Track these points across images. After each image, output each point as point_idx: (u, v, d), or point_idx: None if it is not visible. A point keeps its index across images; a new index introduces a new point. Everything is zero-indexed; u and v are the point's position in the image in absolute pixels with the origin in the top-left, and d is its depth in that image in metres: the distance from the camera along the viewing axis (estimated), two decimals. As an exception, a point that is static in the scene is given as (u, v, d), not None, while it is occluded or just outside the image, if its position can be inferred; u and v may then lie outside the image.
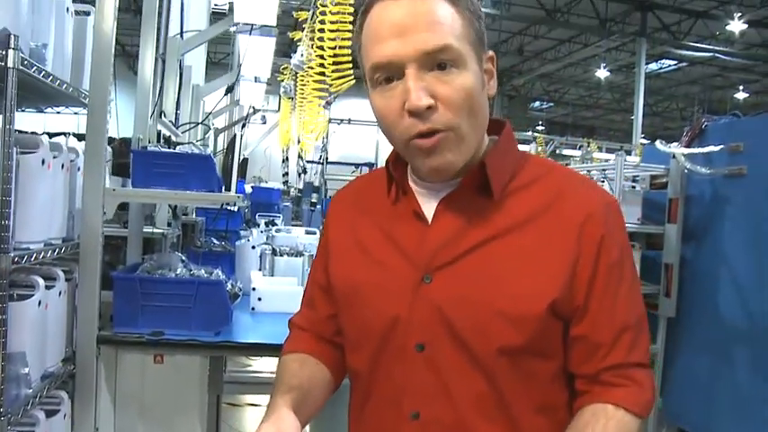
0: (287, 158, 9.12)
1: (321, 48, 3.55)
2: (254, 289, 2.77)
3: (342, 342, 1.19)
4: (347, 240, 1.13)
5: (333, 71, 3.54)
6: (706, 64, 17.61)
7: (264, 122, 10.14)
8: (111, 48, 2.09)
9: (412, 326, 1.01)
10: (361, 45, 1.00)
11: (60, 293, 2.01)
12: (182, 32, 3.75)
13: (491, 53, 1.02)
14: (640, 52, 14.48)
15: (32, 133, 2.16)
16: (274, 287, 2.87)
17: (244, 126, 5.10)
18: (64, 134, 3.07)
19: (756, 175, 4.17)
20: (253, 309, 2.73)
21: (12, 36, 1.54)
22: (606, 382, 1.00)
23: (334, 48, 3.46)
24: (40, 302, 1.84)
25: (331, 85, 3.82)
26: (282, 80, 6.52)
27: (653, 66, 17.88)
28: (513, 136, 1.09)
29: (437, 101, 0.94)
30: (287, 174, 9.01)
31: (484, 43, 1.00)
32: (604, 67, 18.37)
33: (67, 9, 2.05)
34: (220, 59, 12.88)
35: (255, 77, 5.19)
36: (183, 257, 2.60)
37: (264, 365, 6.11)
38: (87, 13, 2.21)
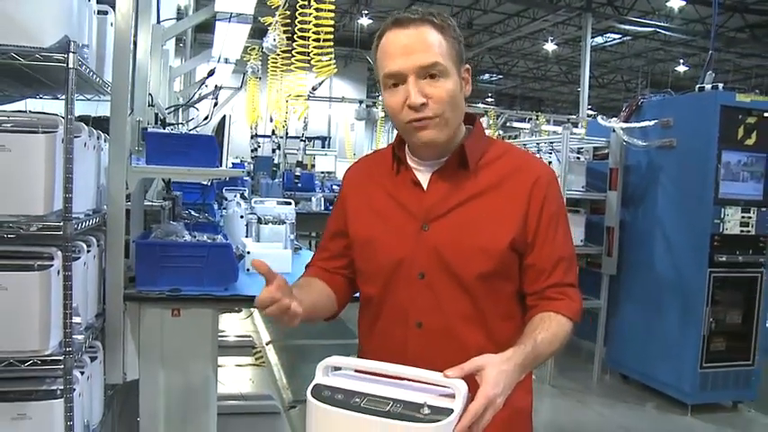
0: (255, 135, 9.42)
1: (303, 38, 3.85)
2: (248, 253, 3.14)
3: (348, 275, 1.60)
4: (362, 203, 1.55)
5: (317, 60, 3.86)
6: (648, 38, 18.29)
7: (217, 95, 10.34)
8: (129, 44, 2.42)
9: (415, 260, 1.43)
10: (377, 58, 1.42)
11: (94, 257, 2.35)
12: (158, 20, 4.02)
13: (467, 66, 1.45)
14: (586, 26, 14.98)
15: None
16: (266, 251, 3.24)
17: (216, 105, 5.36)
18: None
19: (684, 146, 4.72)
20: (248, 270, 3.09)
21: (71, 42, 1.86)
22: (549, 297, 1.43)
23: (319, 40, 3.78)
24: (84, 263, 2.18)
25: (313, 67, 4.12)
26: (248, 60, 6.78)
27: (598, 39, 18.47)
28: (483, 126, 1.53)
29: (428, 99, 1.37)
30: (255, 149, 9.32)
31: (462, 59, 1.43)
32: (552, 41, 18.94)
33: (95, 11, 2.36)
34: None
35: (226, 59, 5.46)
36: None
37: (231, 329, 6.51)
38: (105, 13, 2.52)
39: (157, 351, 2.62)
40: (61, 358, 1.96)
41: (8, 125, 1.91)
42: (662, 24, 15.93)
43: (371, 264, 1.51)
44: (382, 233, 1.48)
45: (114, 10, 2.48)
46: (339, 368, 1.26)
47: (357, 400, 1.16)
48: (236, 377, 5.14)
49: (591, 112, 17.77)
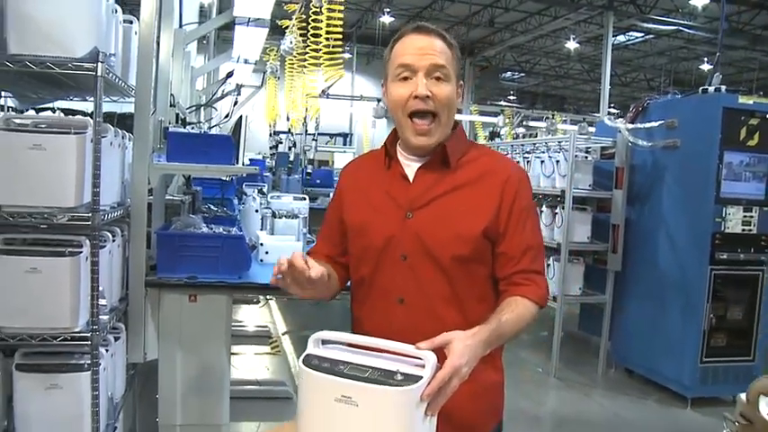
0: (275, 132, 9.67)
1: (316, 42, 4.08)
2: (261, 244, 3.36)
3: (344, 262, 1.79)
4: (357, 194, 1.75)
5: (327, 65, 4.09)
6: (672, 36, 18.21)
7: (239, 94, 10.60)
8: (152, 51, 2.64)
9: (399, 244, 1.62)
10: (393, 54, 1.64)
11: (119, 246, 2.58)
12: (180, 24, 4.24)
13: (461, 83, 1.68)
14: (607, 25, 14.98)
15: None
16: (278, 243, 3.46)
17: (236, 104, 5.59)
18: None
19: (688, 146, 4.84)
20: (261, 260, 3.31)
21: (100, 53, 2.09)
22: (517, 283, 1.61)
23: (329, 47, 4.01)
24: (110, 251, 2.41)
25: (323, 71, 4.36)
26: (267, 60, 7.01)
27: (621, 38, 18.42)
28: (464, 130, 1.75)
29: (432, 95, 1.59)
30: (274, 146, 9.57)
31: (460, 76, 1.67)
32: (574, 39, 18.94)
33: (121, 21, 2.59)
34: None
35: (246, 60, 5.68)
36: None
37: (248, 320, 6.77)
38: (130, 22, 2.74)
39: (175, 333, 2.85)
40: (89, 335, 2.19)
41: (43, 126, 2.15)
42: (685, 23, 15.85)
43: (363, 247, 1.71)
44: (373, 220, 1.68)
45: (138, 19, 2.70)
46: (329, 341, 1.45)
47: (341, 367, 1.35)
48: (253, 364, 5.38)
49: (613, 111, 17.75)
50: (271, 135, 9.77)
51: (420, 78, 1.58)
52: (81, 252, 2.18)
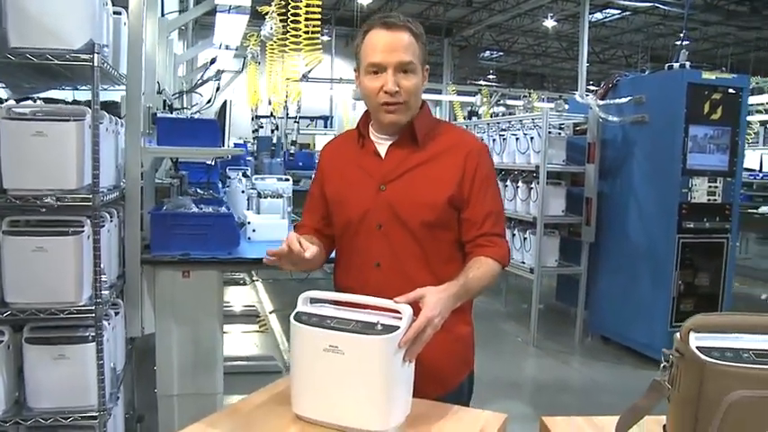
0: (257, 116, 9.80)
1: (296, 29, 4.23)
2: (249, 223, 3.53)
3: (329, 233, 1.96)
4: (335, 171, 1.92)
5: (307, 49, 4.23)
6: (648, 13, 18.39)
7: (219, 79, 10.68)
8: (141, 41, 2.78)
9: (375, 214, 1.80)
10: (363, 48, 1.78)
11: (115, 226, 2.74)
12: (162, 13, 4.36)
13: (427, 67, 1.83)
14: (584, 2, 15.12)
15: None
16: (264, 221, 3.62)
17: (218, 89, 5.72)
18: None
19: (655, 122, 5.05)
20: (249, 238, 3.48)
21: (95, 44, 2.23)
22: (480, 245, 1.80)
23: (308, 32, 4.16)
24: (108, 231, 2.57)
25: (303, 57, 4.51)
26: (248, 45, 7.11)
27: (598, 15, 18.59)
28: (430, 109, 1.92)
29: (400, 88, 1.75)
30: (257, 130, 9.69)
31: (426, 61, 1.82)
32: (551, 17, 19.07)
33: (113, 13, 2.73)
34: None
35: (227, 46, 5.80)
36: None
37: (236, 300, 6.94)
38: (119, 13, 2.88)
39: (171, 308, 3.02)
40: (92, 308, 2.36)
41: (44, 115, 2.30)
42: (660, -1, 16.01)
43: (343, 218, 1.88)
44: (350, 193, 1.85)
45: (126, 10, 2.84)
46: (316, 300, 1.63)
47: (328, 321, 1.52)
48: (242, 342, 5.57)
49: (592, 88, 17.92)
50: (253, 119, 9.89)
51: (389, 75, 1.73)
52: (83, 231, 2.34)
